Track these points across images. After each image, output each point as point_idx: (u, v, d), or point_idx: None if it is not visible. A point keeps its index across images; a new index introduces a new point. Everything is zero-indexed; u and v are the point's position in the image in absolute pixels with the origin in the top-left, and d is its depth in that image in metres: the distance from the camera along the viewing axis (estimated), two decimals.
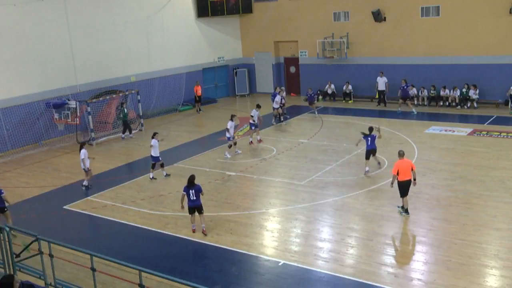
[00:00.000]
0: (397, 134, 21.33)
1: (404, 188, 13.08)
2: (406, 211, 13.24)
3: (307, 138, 21.55)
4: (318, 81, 30.21)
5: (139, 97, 25.10)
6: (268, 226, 13.33)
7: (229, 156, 19.29)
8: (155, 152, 17.22)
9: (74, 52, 24.44)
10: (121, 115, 23.67)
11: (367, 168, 16.50)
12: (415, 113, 24.68)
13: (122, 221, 14.07)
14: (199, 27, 31.02)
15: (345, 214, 13.70)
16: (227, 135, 19.42)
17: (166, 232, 13.18)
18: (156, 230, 13.38)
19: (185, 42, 30.07)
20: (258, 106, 21.32)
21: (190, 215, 12.96)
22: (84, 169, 16.71)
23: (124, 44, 26.73)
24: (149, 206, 15.00)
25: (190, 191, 12.70)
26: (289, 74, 32.86)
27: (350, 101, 28.94)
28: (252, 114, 20.91)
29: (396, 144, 19.84)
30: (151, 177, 17.32)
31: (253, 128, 20.85)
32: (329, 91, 29.49)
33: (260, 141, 21.00)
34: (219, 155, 19.81)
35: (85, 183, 16.85)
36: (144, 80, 27.65)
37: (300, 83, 31.67)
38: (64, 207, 15.44)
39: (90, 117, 22.83)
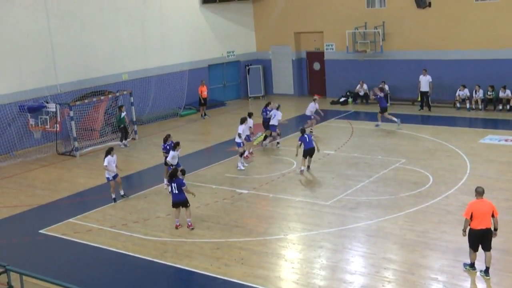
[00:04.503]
0: (445, 144, 21.19)
1: (478, 239, 11.53)
2: (487, 271, 11.63)
3: (334, 149, 21.50)
4: (348, 80, 30.17)
5: (132, 99, 25.27)
6: (287, 255, 13.27)
7: (243, 167, 19.66)
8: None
9: (54, 45, 24.72)
10: (116, 120, 24.00)
11: (302, 168, 18.71)
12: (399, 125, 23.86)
13: (111, 248, 14.09)
14: (204, 16, 31.22)
15: (380, 241, 13.59)
16: (238, 140, 19.72)
17: (164, 262, 13.16)
18: (152, 259, 13.38)
19: (188, 34, 30.28)
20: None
21: (174, 209, 14.83)
22: (107, 178, 17.18)
23: (115, 36, 26.99)
24: (143, 231, 15.03)
25: (173, 184, 14.54)
26: (313, 71, 32.85)
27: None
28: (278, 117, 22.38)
29: (443, 157, 19.72)
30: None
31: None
32: (361, 93, 29.40)
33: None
34: (228, 169, 19.82)
35: (113, 195, 17.29)
36: (139, 79, 27.84)
37: (325, 82, 31.63)
38: (40, 231, 15.50)
39: (73, 123, 22.99)
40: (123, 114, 23.83)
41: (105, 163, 17.01)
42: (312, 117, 23.82)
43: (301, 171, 18.78)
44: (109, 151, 17.21)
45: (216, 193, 17.55)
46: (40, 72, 24.28)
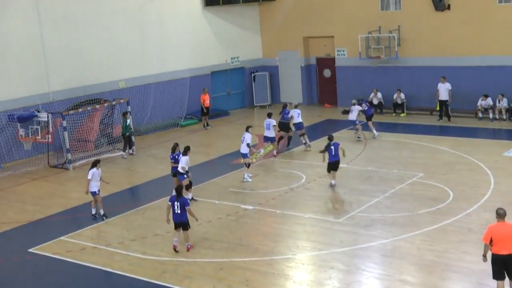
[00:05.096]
0: (466, 157, 21.11)
1: (501, 265, 11.22)
2: None
3: (346, 162, 21.42)
4: (361, 88, 30.18)
5: (129, 108, 25.32)
6: (295, 276, 13.22)
7: (250, 179, 19.92)
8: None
9: (46, 50, 24.84)
10: (122, 128, 24.19)
11: (332, 181, 18.56)
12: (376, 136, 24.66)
13: (106, 269, 14.07)
14: (207, 19, 31.35)
15: (396, 261, 13.52)
16: (244, 150, 19.89)
17: (163, 283, 13.11)
18: (150, 280, 13.35)
19: (189, 38, 30.41)
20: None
21: (175, 230, 14.60)
22: (93, 193, 17.07)
23: (111, 41, 27.13)
24: (141, 249, 15.00)
25: (176, 203, 14.33)
26: (323, 79, 32.89)
27: (402, 114, 28.81)
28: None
29: (464, 171, 19.65)
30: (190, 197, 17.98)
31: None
32: (375, 101, 29.40)
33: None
34: (232, 183, 19.81)
35: (102, 212, 17.24)
36: (137, 86, 27.95)
37: (337, 90, 31.66)
38: (30, 250, 15.48)
39: (65, 133, 23.05)
40: (128, 121, 23.96)
41: (89, 176, 17.00)
42: (357, 121, 24.50)
43: (331, 185, 18.58)
44: (95, 164, 17.24)
45: (219, 209, 17.52)
46: (31, 79, 24.41)
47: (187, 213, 14.43)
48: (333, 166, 18.59)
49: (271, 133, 22.48)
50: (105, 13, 26.94)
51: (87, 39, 26.22)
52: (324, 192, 18.47)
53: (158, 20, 29.06)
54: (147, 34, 28.59)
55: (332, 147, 18.51)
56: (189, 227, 14.58)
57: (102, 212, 17.29)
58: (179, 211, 14.33)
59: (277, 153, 22.77)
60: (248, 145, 19.89)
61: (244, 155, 20.01)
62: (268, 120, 22.52)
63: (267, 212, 17.14)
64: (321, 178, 19.61)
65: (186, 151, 17.89)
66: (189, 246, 14.62)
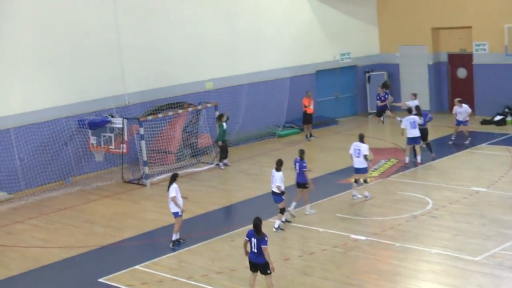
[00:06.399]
0: None
1: None
2: None
3: (486, 185, 20.89)
4: (506, 91, 29.52)
5: (217, 114, 25.70)
6: None
7: (359, 195, 20.11)
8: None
9: (122, 46, 25.61)
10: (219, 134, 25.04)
11: None
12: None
13: None
14: (312, 7, 31.48)
15: None
16: (361, 165, 19.92)
17: None
18: None
19: (289, 31, 30.62)
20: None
21: (251, 273, 13.88)
22: (176, 213, 17.40)
23: (196, 35, 27.67)
24: (229, 284, 15.11)
25: (253, 239, 13.60)
26: (456, 80, 32.29)
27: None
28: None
29: None
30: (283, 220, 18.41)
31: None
32: None
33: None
34: (340, 208, 19.72)
35: (174, 237, 17.53)
36: (226, 88, 28.41)
37: (474, 95, 30.90)
38: (100, 279, 15.87)
39: (143, 143, 23.62)
40: (225, 125, 24.72)
41: (172, 193, 17.20)
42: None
43: None
44: (174, 178, 17.46)
45: (323, 238, 17.44)
46: (105, 79, 25.18)
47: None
48: None
49: (416, 132, 22.95)
50: (190, 2, 27.50)
51: (169, 33, 26.83)
52: (456, 222, 17.98)
53: (252, 9, 29.43)
54: (238, 26, 28.98)
55: None
56: (270, 272, 13.58)
57: (178, 236, 17.57)
58: (255, 250, 13.57)
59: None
60: (365, 157, 19.75)
61: (363, 170, 19.97)
62: (411, 118, 23.06)
63: (383, 244, 16.90)
64: (452, 205, 19.15)
65: (280, 165, 17.99)
66: None
